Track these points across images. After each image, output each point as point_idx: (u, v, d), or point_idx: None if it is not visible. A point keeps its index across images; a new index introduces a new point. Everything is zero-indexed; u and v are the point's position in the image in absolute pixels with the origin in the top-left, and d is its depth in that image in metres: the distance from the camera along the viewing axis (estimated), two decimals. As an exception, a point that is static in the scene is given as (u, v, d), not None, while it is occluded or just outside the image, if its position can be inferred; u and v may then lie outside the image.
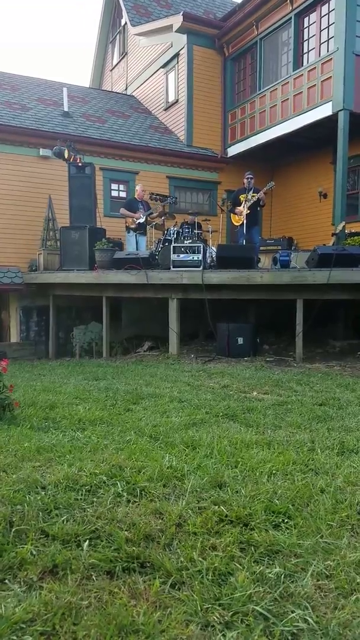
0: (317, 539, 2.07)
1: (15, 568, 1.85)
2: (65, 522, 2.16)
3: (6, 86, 13.15)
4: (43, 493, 2.43)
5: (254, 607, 1.63)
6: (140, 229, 10.35)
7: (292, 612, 1.63)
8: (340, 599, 1.71)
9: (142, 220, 10.23)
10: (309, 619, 1.59)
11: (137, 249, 10.05)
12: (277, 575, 1.82)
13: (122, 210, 10.48)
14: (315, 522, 2.21)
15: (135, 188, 11.02)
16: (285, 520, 2.24)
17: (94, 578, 1.81)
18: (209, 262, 9.18)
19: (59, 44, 52.08)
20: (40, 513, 2.23)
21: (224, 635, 1.53)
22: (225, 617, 1.60)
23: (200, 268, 8.48)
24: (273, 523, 2.22)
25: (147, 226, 10.75)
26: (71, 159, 10.28)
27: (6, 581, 1.77)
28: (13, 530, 2.07)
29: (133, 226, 10.26)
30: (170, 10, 15.23)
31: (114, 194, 12.40)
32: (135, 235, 10.32)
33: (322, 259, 7.76)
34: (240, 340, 8.14)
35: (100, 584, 1.77)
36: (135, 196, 10.64)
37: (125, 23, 15.80)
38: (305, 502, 2.41)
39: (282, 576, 1.82)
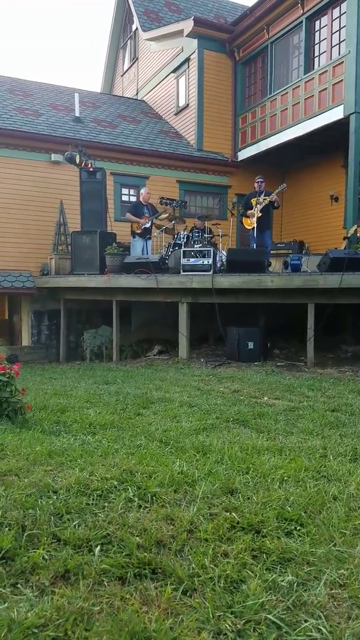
0: (330, 547, 2.06)
1: (27, 572, 1.85)
2: (77, 527, 2.16)
3: (18, 92, 13.28)
4: (55, 497, 2.43)
5: (267, 615, 1.62)
6: (146, 234, 10.34)
7: (305, 621, 1.61)
8: (354, 608, 1.69)
9: (147, 224, 10.22)
10: (323, 629, 1.57)
11: (143, 253, 10.06)
12: (289, 583, 1.80)
13: (128, 215, 10.45)
14: (328, 529, 2.19)
15: (140, 192, 11.02)
16: (298, 528, 2.22)
17: (106, 584, 1.80)
18: (219, 266, 9.17)
19: (70, 49, 52.55)
20: (52, 517, 2.23)
21: (236, 644, 1.52)
22: (238, 625, 1.59)
23: (211, 272, 8.48)
24: (285, 530, 2.20)
25: (157, 230, 10.76)
26: (82, 164, 10.34)
27: (18, 586, 1.78)
28: (25, 534, 2.08)
29: (139, 231, 10.25)
30: (181, 15, 15.30)
31: (125, 198, 12.46)
32: (144, 240, 10.32)
33: (333, 263, 7.72)
34: (250, 345, 8.12)
35: (111, 589, 1.77)
36: (141, 200, 10.63)
37: (136, 28, 15.90)
38: (317, 510, 2.39)
39: (295, 584, 1.80)
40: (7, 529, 2.10)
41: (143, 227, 10.19)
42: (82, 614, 1.62)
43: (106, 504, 2.40)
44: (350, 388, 5.83)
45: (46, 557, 1.94)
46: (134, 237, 10.39)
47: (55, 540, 2.07)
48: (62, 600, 1.68)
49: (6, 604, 1.65)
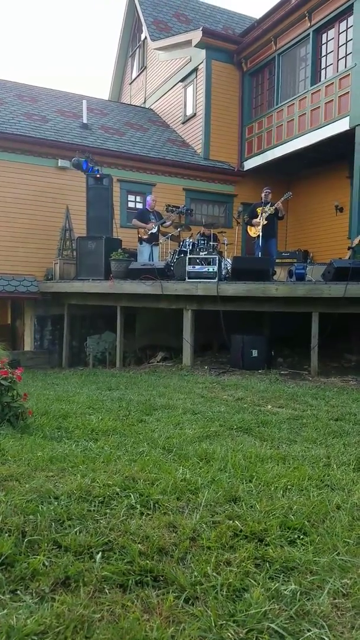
0: (333, 556, 2.03)
1: (27, 579, 1.83)
2: (78, 534, 2.14)
3: (26, 98, 13.39)
4: (56, 503, 2.41)
5: (269, 624, 1.60)
6: (153, 240, 10.36)
7: (308, 630, 1.59)
8: (357, 618, 1.67)
9: (154, 230, 10.24)
10: (326, 638, 1.55)
11: (150, 260, 10.08)
12: (292, 592, 1.78)
13: (134, 222, 10.48)
14: (331, 538, 2.17)
15: (146, 198, 11.06)
16: (301, 537, 2.20)
17: (107, 591, 1.78)
18: (224, 273, 9.17)
19: (79, 57, 53.08)
20: (53, 524, 2.21)
21: (238, 654, 1.49)
22: (240, 634, 1.56)
23: (216, 280, 8.48)
24: (288, 539, 2.18)
25: (163, 237, 10.78)
26: (89, 171, 10.40)
27: (18, 592, 1.76)
28: (25, 540, 2.06)
29: (146, 237, 10.28)
30: (189, 25, 15.43)
31: (131, 205, 12.50)
32: (151, 247, 10.34)
33: (338, 273, 7.72)
34: (254, 353, 8.10)
35: (113, 597, 1.75)
36: (147, 207, 10.67)
37: (145, 38, 16.03)
38: (321, 519, 2.37)
39: (298, 593, 1.78)
40: (7, 534, 2.09)
41: (150, 232, 10.21)
42: (82, 621, 1.60)
43: (108, 511, 2.38)
44: (353, 397, 5.80)
45: (46, 563, 1.92)
46: (141, 244, 10.42)
47: (56, 547, 2.05)
48: (62, 607, 1.66)
49: (5, 611, 1.64)
